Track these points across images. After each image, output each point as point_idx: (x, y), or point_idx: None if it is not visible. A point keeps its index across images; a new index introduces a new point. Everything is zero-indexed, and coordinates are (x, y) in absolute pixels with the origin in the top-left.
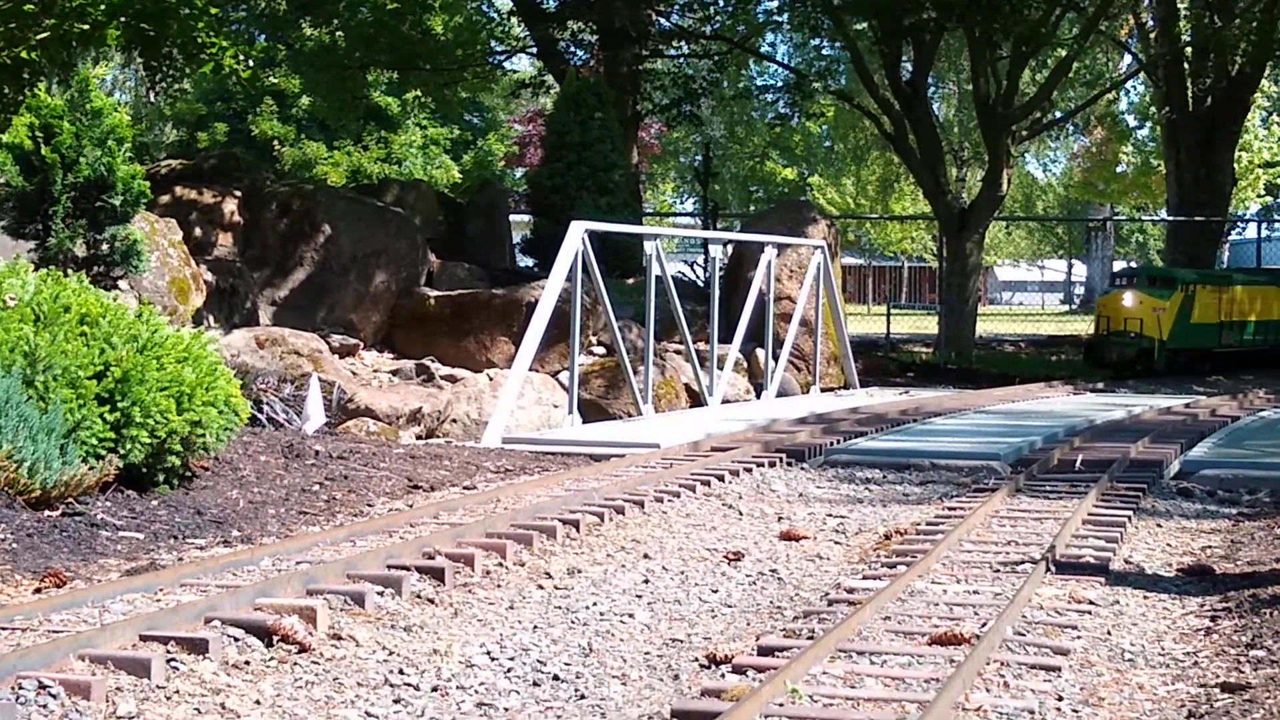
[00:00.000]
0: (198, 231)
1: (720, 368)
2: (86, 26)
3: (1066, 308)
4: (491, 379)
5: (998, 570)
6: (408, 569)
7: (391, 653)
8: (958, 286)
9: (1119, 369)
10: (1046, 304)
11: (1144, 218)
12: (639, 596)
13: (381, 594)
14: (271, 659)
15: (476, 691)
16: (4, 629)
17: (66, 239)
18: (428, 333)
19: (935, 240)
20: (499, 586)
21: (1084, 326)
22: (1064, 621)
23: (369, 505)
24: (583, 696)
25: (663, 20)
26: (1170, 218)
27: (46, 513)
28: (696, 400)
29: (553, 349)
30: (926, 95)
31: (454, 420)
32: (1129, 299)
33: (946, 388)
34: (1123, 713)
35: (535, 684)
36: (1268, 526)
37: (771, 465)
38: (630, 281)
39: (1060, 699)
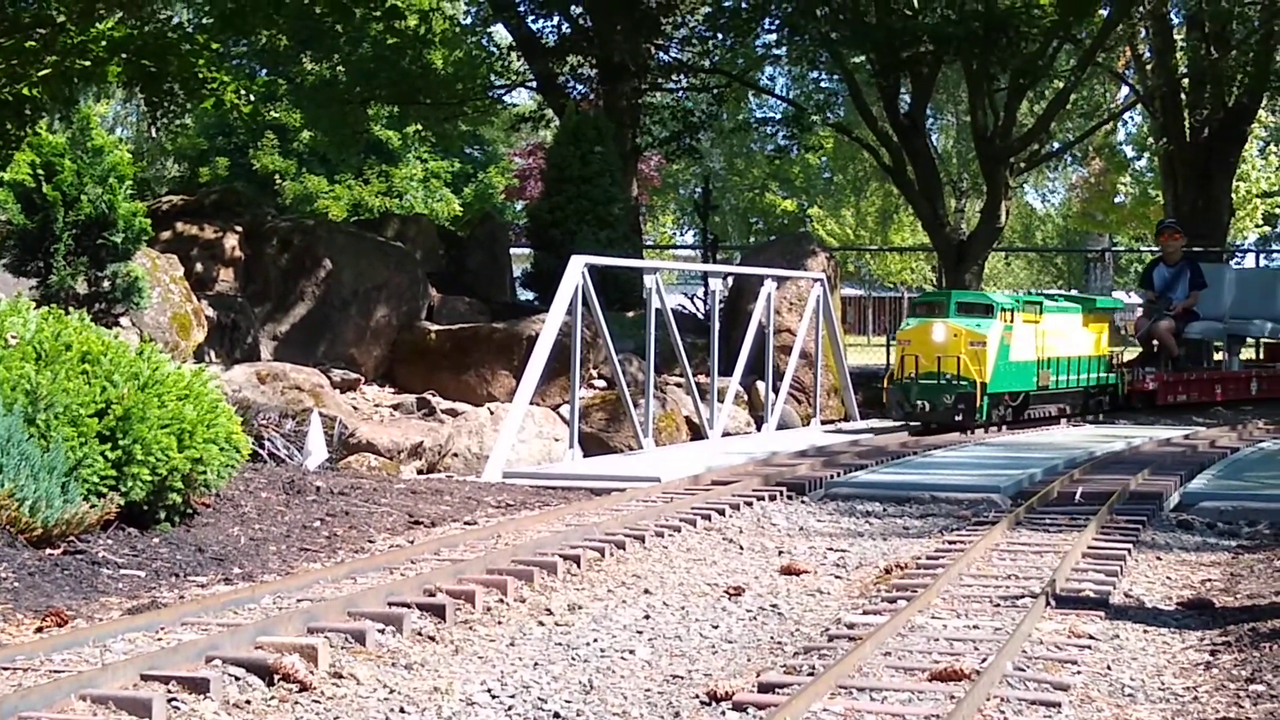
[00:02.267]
0: (199, 267)
1: (721, 400)
2: (88, 63)
3: None
4: (492, 413)
5: (998, 605)
6: (409, 606)
7: (392, 691)
8: None
9: (930, 422)
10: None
11: (1143, 248)
12: (640, 632)
13: (382, 631)
14: (273, 698)
15: None
16: (5, 669)
17: (68, 276)
18: (429, 367)
19: (935, 271)
20: (500, 623)
21: None
22: (1064, 656)
23: (370, 541)
24: None
25: (662, 54)
26: None
27: (48, 551)
28: (697, 433)
29: (553, 382)
30: (925, 127)
31: (455, 454)
32: (940, 332)
33: None
34: None
35: None
36: (1267, 559)
37: (772, 499)
38: (630, 314)
39: None
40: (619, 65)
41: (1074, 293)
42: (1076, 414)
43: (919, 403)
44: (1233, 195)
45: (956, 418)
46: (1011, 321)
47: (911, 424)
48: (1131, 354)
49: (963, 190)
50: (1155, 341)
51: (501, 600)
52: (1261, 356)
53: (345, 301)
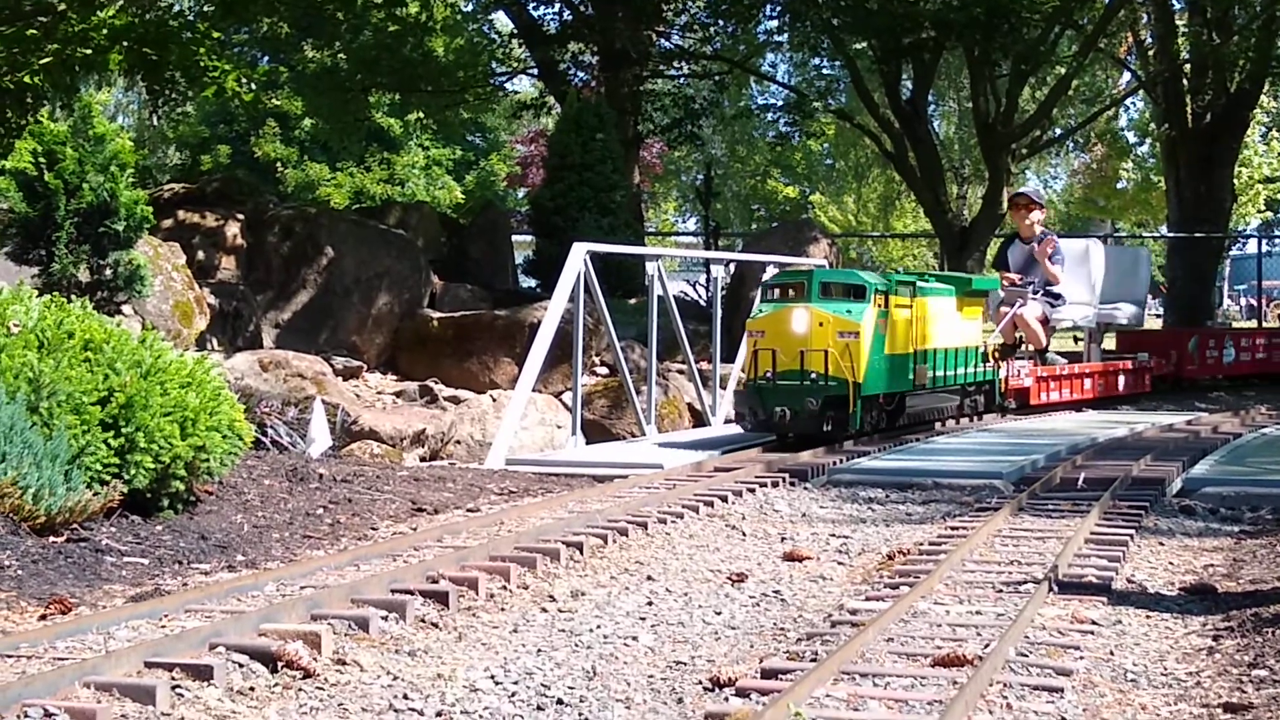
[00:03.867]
0: (201, 255)
1: (723, 387)
2: (89, 51)
3: (1160, 322)
4: (495, 400)
5: (1000, 590)
6: (412, 593)
7: (396, 678)
8: None
9: (791, 433)
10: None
11: (1145, 234)
12: (642, 619)
13: (385, 618)
14: (276, 685)
15: (480, 716)
16: (9, 656)
17: (70, 264)
18: (431, 354)
19: (937, 257)
20: (503, 610)
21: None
22: (1067, 642)
23: (373, 529)
24: None
25: (663, 41)
26: (1171, 234)
27: (51, 539)
28: (699, 420)
29: (556, 370)
30: (926, 114)
31: (458, 441)
32: (802, 320)
33: None
34: None
35: (539, 708)
36: (1269, 544)
37: (774, 485)
38: (633, 301)
39: None
40: (620, 52)
41: (946, 271)
42: (951, 417)
43: (777, 410)
44: (1235, 181)
45: (825, 427)
46: (886, 306)
47: (766, 436)
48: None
49: (964, 176)
50: (1019, 331)
51: (504, 587)
52: (1115, 347)
53: (347, 289)
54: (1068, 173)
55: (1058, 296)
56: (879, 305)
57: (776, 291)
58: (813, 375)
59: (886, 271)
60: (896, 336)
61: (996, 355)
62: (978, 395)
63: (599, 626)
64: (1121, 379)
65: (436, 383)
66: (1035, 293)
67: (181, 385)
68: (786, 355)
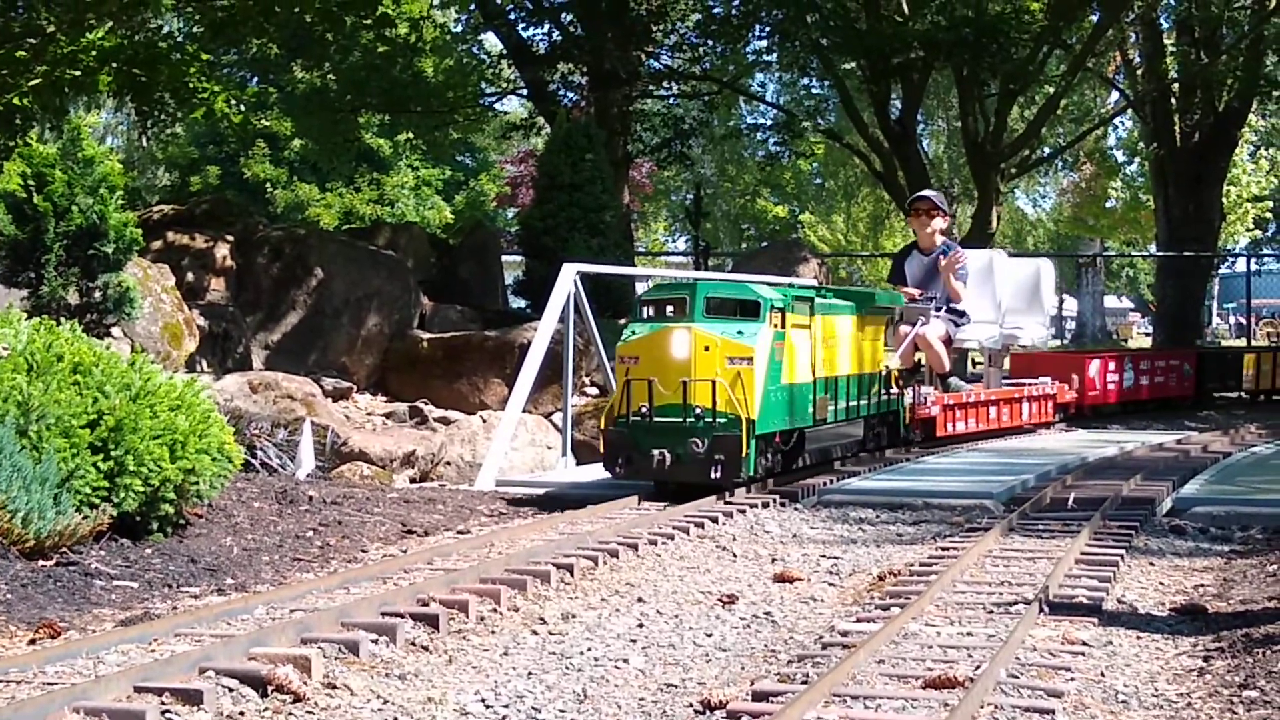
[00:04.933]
0: (190, 276)
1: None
2: (78, 73)
3: (1058, 342)
4: (485, 421)
5: (991, 611)
6: (402, 616)
7: (386, 701)
8: None
9: (673, 481)
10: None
11: (1134, 253)
12: (633, 641)
13: (376, 642)
14: (266, 709)
15: None
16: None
17: (59, 287)
18: (421, 375)
19: None
20: (493, 632)
21: None
22: (1057, 663)
23: (363, 551)
24: None
25: (652, 61)
26: (1160, 253)
27: (40, 562)
28: None
29: (546, 390)
30: (915, 133)
31: (448, 463)
32: (683, 343)
33: None
34: None
35: None
36: (1260, 564)
37: (765, 506)
38: (622, 321)
39: None
40: (610, 72)
41: (846, 287)
42: (853, 455)
43: (655, 453)
44: (1224, 200)
45: (714, 473)
46: (783, 325)
47: (638, 481)
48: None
49: (954, 195)
50: (920, 353)
51: (495, 609)
52: (1010, 370)
53: (337, 310)
54: (1057, 191)
55: (961, 314)
56: (775, 325)
57: (653, 309)
58: (697, 411)
59: (786, 285)
60: (795, 362)
61: (900, 381)
62: (880, 428)
63: (589, 649)
64: (1025, 407)
65: (426, 404)
66: (937, 309)
67: (171, 408)
68: (665, 386)
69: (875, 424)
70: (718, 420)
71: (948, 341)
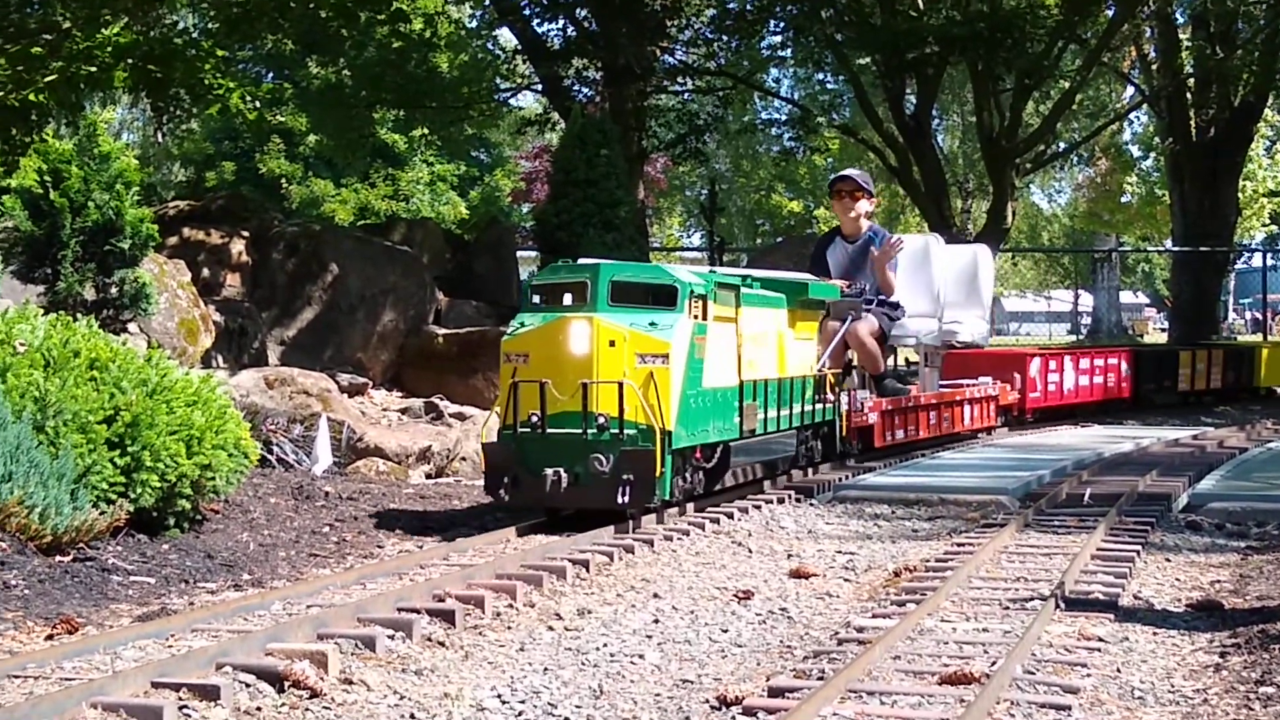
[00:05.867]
0: (206, 272)
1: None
2: (94, 69)
3: (1074, 338)
4: None
5: (1007, 607)
6: (418, 612)
7: (403, 697)
8: None
9: (568, 508)
10: (1054, 334)
11: (1149, 248)
12: (649, 637)
13: (392, 637)
14: (283, 705)
15: None
16: (17, 676)
17: (76, 283)
18: (436, 371)
19: None
20: (509, 628)
21: None
22: (1073, 659)
23: (379, 547)
24: None
25: (667, 57)
26: (1175, 248)
27: (58, 558)
28: None
29: None
30: (930, 128)
31: (463, 458)
32: (582, 336)
33: None
34: None
35: None
36: (1276, 560)
37: (780, 502)
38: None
39: None
40: (624, 68)
41: (773, 274)
42: (784, 472)
43: (549, 473)
44: (1239, 195)
45: (621, 497)
46: (704, 317)
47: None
48: None
49: (969, 191)
50: (851, 353)
51: (511, 605)
52: (941, 369)
53: (352, 306)
54: (1072, 187)
55: (895, 307)
56: (696, 315)
57: (547, 295)
58: (601, 420)
59: (707, 270)
60: (719, 361)
61: (836, 386)
62: (814, 440)
63: (605, 645)
64: (968, 411)
65: (442, 399)
66: (868, 303)
67: (187, 403)
68: (561, 390)
69: (808, 435)
70: (626, 431)
71: (881, 338)
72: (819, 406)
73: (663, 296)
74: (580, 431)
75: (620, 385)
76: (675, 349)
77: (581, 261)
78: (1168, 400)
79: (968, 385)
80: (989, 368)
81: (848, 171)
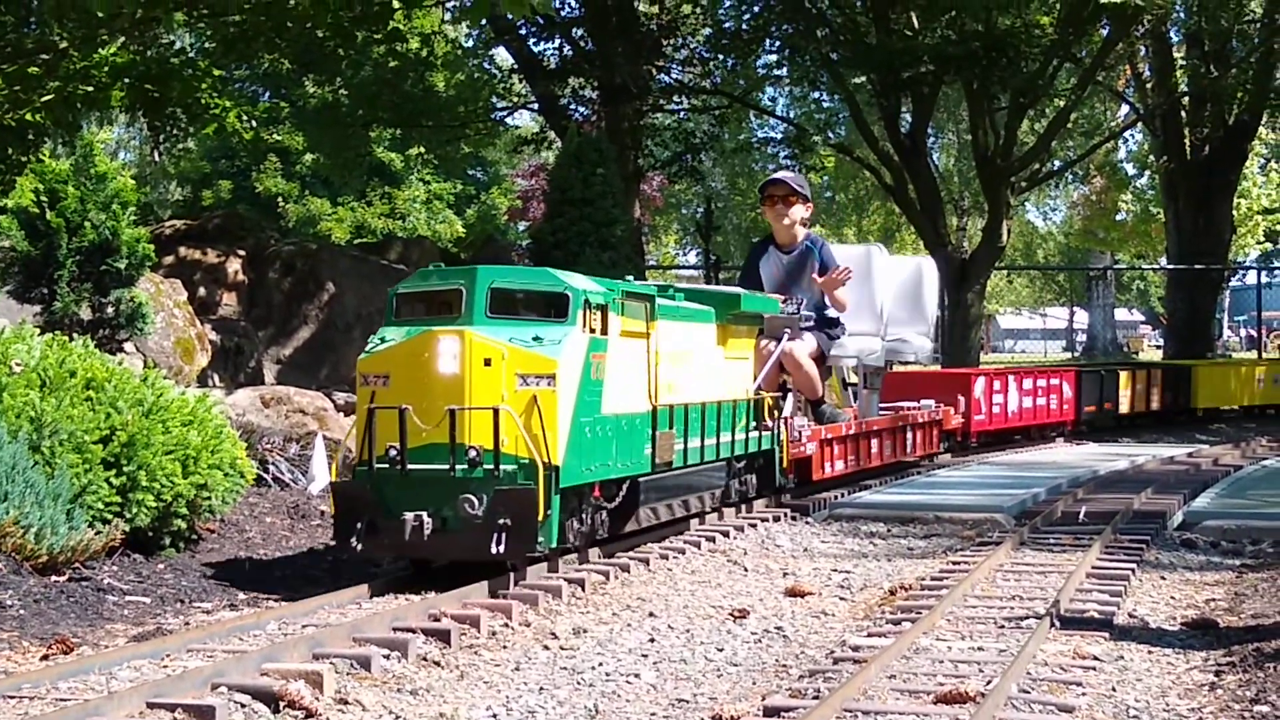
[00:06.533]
0: (202, 291)
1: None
2: (91, 88)
3: (1069, 355)
4: None
5: (1002, 626)
6: (414, 631)
7: (398, 717)
8: (959, 337)
9: (434, 558)
10: (1049, 351)
11: (1144, 266)
12: (645, 656)
13: (388, 657)
14: None
15: None
16: (12, 697)
17: (72, 303)
18: None
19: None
20: (505, 647)
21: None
22: (1069, 678)
23: (376, 566)
24: None
25: (663, 76)
26: (1170, 265)
27: (53, 578)
28: None
29: None
30: (926, 147)
31: None
32: (451, 353)
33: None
34: None
35: None
36: (1271, 578)
37: (776, 520)
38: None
39: None
40: (620, 87)
41: (701, 286)
42: (714, 509)
43: (409, 517)
44: (1234, 212)
45: (496, 546)
46: (604, 331)
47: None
48: None
49: (964, 209)
50: (786, 374)
51: (506, 624)
52: (879, 391)
53: (348, 324)
54: (1067, 205)
55: (835, 324)
56: (593, 329)
57: (415, 305)
58: (473, 453)
59: (614, 279)
60: (625, 382)
61: (776, 411)
62: (748, 473)
63: (601, 664)
64: (910, 437)
65: None
66: (806, 320)
67: (183, 423)
68: (426, 418)
69: (741, 468)
70: (503, 467)
71: (820, 360)
72: (754, 435)
73: (551, 306)
74: (448, 468)
75: (496, 412)
76: (564, 368)
77: (456, 268)
78: (1104, 424)
79: (909, 408)
80: (931, 389)
81: (779, 175)
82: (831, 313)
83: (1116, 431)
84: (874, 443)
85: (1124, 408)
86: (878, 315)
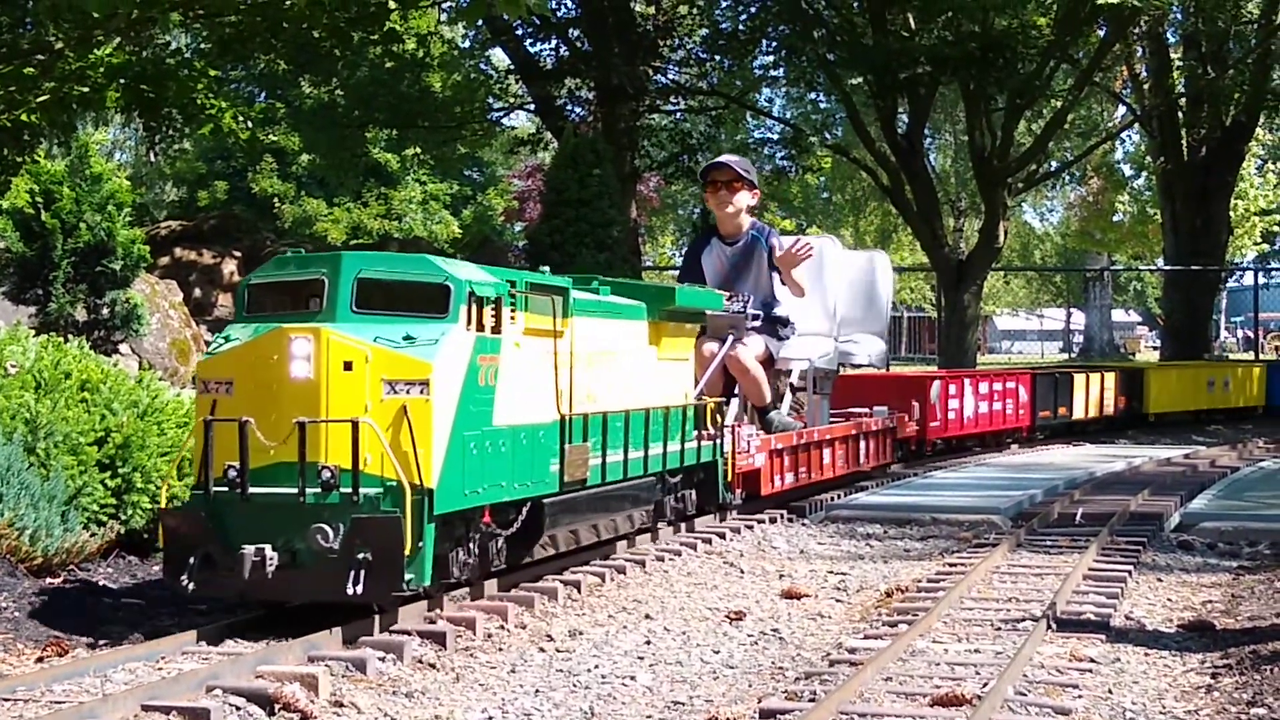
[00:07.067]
0: (198, 292)
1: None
2: (86, 89)
3: (1066, 356)
4: None
5: (999, 628)
6: (409, 634)
7: (393, 719)
8: (956, 338)
9: (278, 601)
10: (1046, 352)
11: (1141, 267)
12: (641, 658)
13: (383, 659)
14: None
15: None
16: (6, 700)
17: (67, 304)
18: None
19: (934, 290)
20: (500, 650)
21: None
22: (1065, 680)
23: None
24: None
25: (660, 76)
26: (1167, 267)
27: (48, 580)
28: None
29: None
30: (923, 148)
31: None
32: (302, 356)
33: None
34: None
35: None
36: (1268, 580)
37: (773, 521)
38: None
39: None
40: (617, 88)
41: (632, 280)
42: (645, 529)
43: (249, 551)
44: (1231, 213)
45: (353, 586)
46: (498, 330)
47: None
48: None
49: (961, 210)
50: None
51: (502, 627)
52: (830, 396)
53: None
54: (1064, 206)
55: (784, 323)
56: (483, 328)
57: (269, 298)
58: (326, 475)
59: (517, 269)
60: (526, 389)
61: (720, 419)
62: (687, 489)
63: (597, 666)
64: (864, 446)
65: None
66: (754, 319)
67: (179, 425)
68: (271, 433)
69: (678, 483)
70: (363, 490)
71: (768, 363)
72: (693, 446)
73: (427, 300)
74: (297, 492)
75: (355, 425)
76: (441, 372)
77: (314, 254)
78: (1059, 430)
79: (863, 417)
80: (884, 394)
81: (723, 158)
82: (781, 310)
83: (1082, 436)
84: (826, 453)
85: (1079, 413)
86: (830, 314)
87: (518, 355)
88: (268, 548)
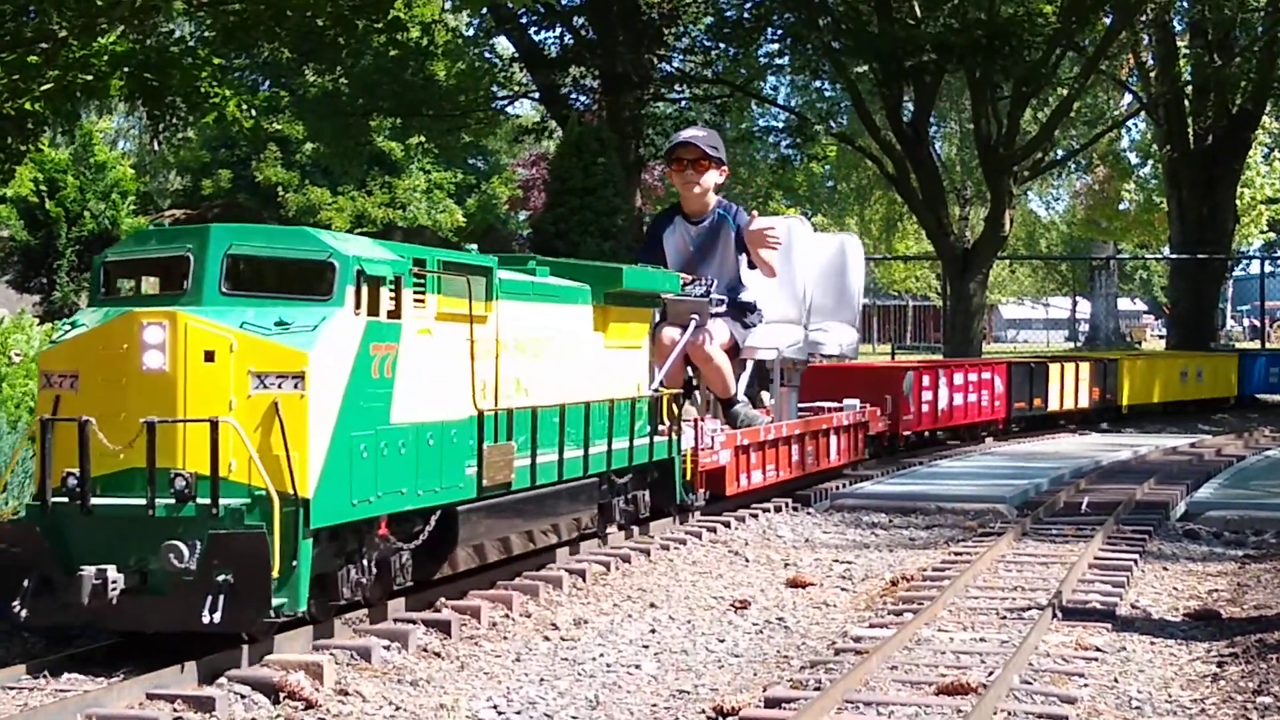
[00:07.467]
0: None
1: None
2: (90, 77)
3: (1072, 345)
4: None
5: (1004, 617)
6: (414, 622)
7: (398, 708)
8: (961, 327)
9: (128, 629)
10: (1051, 341)
11: (1147, 255)
12: (645, 647)
13: (388, 648)
14: (279, 716)
15: None
16: (12, 688)
17: (71, 292)
18: None
19: (939, 279)
20: (505, 638)
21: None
22: (1071, 669)
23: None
24: None
25: (665, 65)
26: (1173, 255)
27: None
28: None
29: None
30: (928, 136)
31: None
32: (155, 344)
33: None
34: None
35: None
36: (1274, 569)
37: (778, 510)
38: None
39: None
40: (621, 76)
41: (575, 260)
42: (590, 536)
43: (90, 574)
44: (1237, 202)
45: (210, 614)
46: (397, 314)
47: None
48: None
49: (966, 198)
50: (693, 370)
51: (507, 615)
52: (798, 389)
53: None
54: (1070, 194)
55: (750, 309)
56: (373, 311)
57: (126, 277)
58: (182, 483)
59: (432, 244)
60: (435, 381)
61: (676, 412)
62: (639, 490)
63: (602, 655)
64: (834, 442)
65: None
66: (719, 305)
67: None
68: (118, 434)
69: (628, 483)
70: (224, 502)
71: (733, 352)
72: (646, 442)
73: (306, 279)
74: (145, 504)
75: (215, 424)
76: (320, 363)
77: (175, 227)
78: (1034, 423)
79: (833, 411)
80: (855, 387)
81: (688, 133)
82: (748, 296)
83: (1057, 429)
84: (794, 449)
85: (1054, 404)
86: (799, 300)
87: (426, 343)
88: (111, 569)
